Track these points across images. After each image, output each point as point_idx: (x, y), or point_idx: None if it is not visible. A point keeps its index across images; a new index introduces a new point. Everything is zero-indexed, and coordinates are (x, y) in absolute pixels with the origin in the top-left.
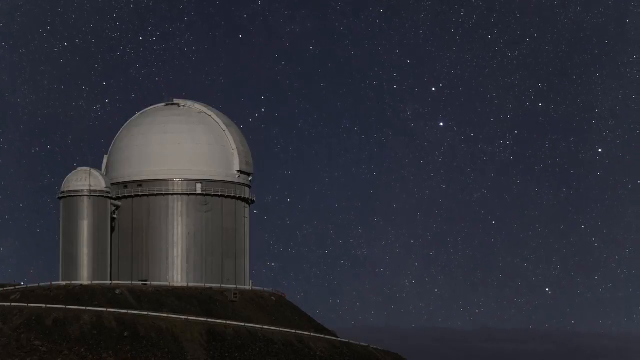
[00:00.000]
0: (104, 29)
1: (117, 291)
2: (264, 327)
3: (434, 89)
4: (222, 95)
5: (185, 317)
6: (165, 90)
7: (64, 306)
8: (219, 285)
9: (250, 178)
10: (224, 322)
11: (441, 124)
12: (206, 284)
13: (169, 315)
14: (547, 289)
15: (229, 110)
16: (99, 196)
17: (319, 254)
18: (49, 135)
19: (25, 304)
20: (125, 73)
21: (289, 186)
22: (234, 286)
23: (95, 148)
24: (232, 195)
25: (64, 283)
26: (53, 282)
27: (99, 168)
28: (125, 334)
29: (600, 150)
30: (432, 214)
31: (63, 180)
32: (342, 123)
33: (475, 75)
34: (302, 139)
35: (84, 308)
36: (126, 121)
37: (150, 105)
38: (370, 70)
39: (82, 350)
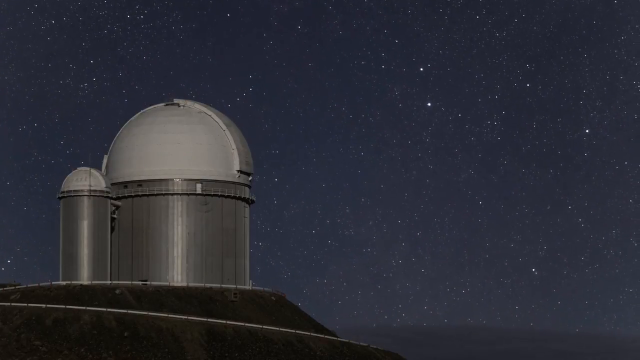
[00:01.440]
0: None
1: (117, 291)
2: (264, 327)
3: (421, 69)
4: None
5: (185, 317)
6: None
7: (64, 306)
8: (219, 285)
9: (250, 178)
10: (224, 322)
11: (429, 104)
12: (206, 284)
13: (169, 315)
14: (533, 269)
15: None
16: (99, 196)
17: (306, 234)
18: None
19: (25, 304)
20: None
21: (277, 165)
22: (234, 286)
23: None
24: (232, 195)
25: (64, 283)
26: (53, 282)
27: (99, 168)
28: (125, 334)
29: (587, 131)
30: (419, 194)
31: (63, 180)
32: (329, 103)
33: (463, 55)
34: (289, 117)
35: (84, 308)
36: (126, 121)
37: (150, 105)
38: (358, 50)
39: (82, 350)
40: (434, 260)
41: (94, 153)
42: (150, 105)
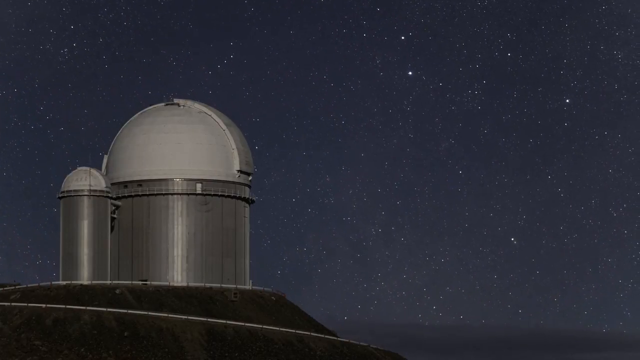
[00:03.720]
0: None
1: (117, 291)
2: (264, 327)
3: (403, 38)
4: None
5: (185, 317)
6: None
7: (64, 306)
8: (219, 285)
9: (250, 178)
10: (224, 322)
11: (410, 73)
12: (206, 284)
13: (169, 315)
14: (512, 239)
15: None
16: (99, 196)
17: (286, 202)
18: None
19: (25, 304)
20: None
21: (257, 134)
22: (234, 286)
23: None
24: (232, 195)
25: (64, 283)
26: (53, 282)
27: (99, 168)
28: (125, 334)
29: (567, 101)
30: (399, 163)
31: (63, 180)
32: (310, 71)
33: (445, 24)
34: (269, 84)
35: (84, 308)
36: (126, 121)
37: (150, 105)
38: (339, 18)
39: (82, 350)
40: (414, 229)
41: (95, 153)
42: (150, 105)
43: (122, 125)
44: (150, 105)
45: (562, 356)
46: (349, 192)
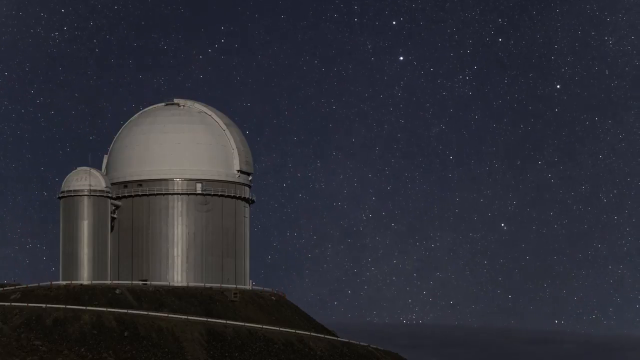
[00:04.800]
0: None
1: (117, 291)
2: (264, 327)
3: (394, 23)
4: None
5: (185, 317)
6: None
7: (64, 306)
8: (219, 285)
9: (250, 178)
10: (224, 322)
11: (401, 58)
12: (206, 284)
13: (169, 315)
14: (502, 224)
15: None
16: (99, 196)
17: (277, 187)
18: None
19: (25, 304)
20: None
21: (248, 118)
22: (234, 286)
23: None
24: (232, 195)
25: (64, 283)
26: (53, 282)
27: (99, 168)
28: (125, 334)
29: (558, 86)
30: (390, 148)
31: (63, 180)
32: (302, 56)
33: (436, 9)
34: (261, 70)
35: (84, 308)
36: (126, 121)
37: (150, 105)
38: (330, 3)
39: (82, 350)
40: (404, 215)
41: (95, 153)
42: (150, 105)
43: (122, 125)
44: (150, 105)
45: (551, 345)
46: (340, 177)
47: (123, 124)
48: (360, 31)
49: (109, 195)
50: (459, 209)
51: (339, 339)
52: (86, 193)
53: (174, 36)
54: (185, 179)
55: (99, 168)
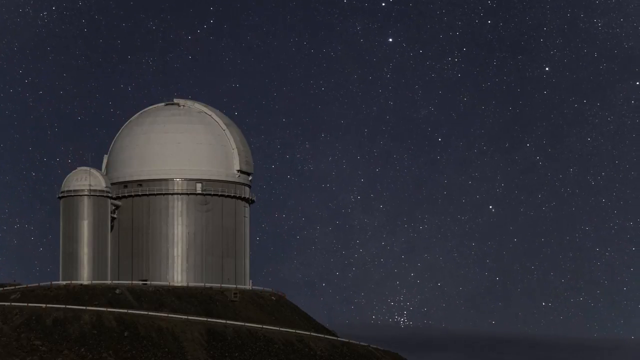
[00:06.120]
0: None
1: (117, 291)
2: (264, 326)
3: (383, 4)
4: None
5: (185, 317)
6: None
7: (64, 306)
8: (219, 285)
9: (250, 178)
10: (224, 321)
11: (390, 40)
12: (206, 284)
13: (169, 315)
14: (490, 207)
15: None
16: (99, 196)
17: (265, 169)
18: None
19: (25, 304)
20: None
21: (237, 99)
22: (234, 286)
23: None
24: (232, 194)
25: (64, 283)
26: (53, 282)
27: (99, 168)
28: (125, 334)
29: (547, 69)
30: (378, 130)
31: (63, 180)
32: (290, 37)
33: None
34: (250, 51)
35: (84, 308)
36: (126, 121)
37: (150, 105)
38: None
39: (82, 350)
40: (393, 196)
41: (95, 153)
42: (151, 105)
43: (122, 125)
44: (150, 105)
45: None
46: (328, 159)
47: (123, 124)
48: (350, 12)
49: (109, 195)
50: (447, 191)
51: (339, 338)
52: (86, 193)
53: (162, 16)
54: (185, 179)
55: (99, 168)
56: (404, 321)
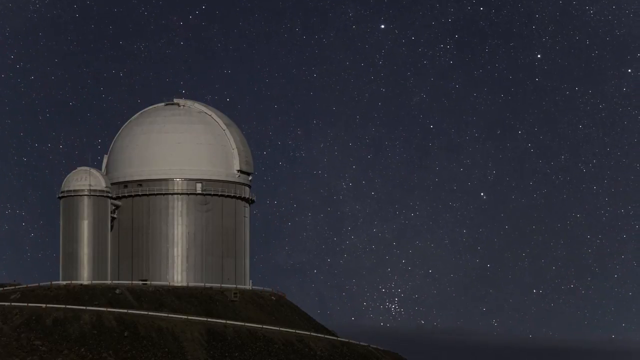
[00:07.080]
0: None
1: (117, 291)
2: (264, 326)
3: None
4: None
5: (185, 317)
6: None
7: (64, 306)
8: (219, 285)
9: (250, 178)
10: (224, 321)
11: (382, 27)
12: (206, 284)
13: (169, 315)
14: (482, 194)
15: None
16: (99, 196)
17: (256, 155)
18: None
19: (25, 304)
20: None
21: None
22: (234, 286)
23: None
24: (232, 195)
25: (64, 283)
26: (53, 282)
27: (99, 168)
28: (125, 334)
29: (539, 56)
30: (370, 116)
31: (63, 180)
32: (282, 23)
33: None
34: (242, 37)
35: (84, 308)
36: (126, 121)
37: (150, 105)
38: None
39: (82, 350)
40: (384, 183)
41: (93, 153)
42: (151, 105)
43: (122, 125)
44: (150, 105)
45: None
46: (320, 145)
47: (123, 123)
48: None
49: (109, 195)
50: (438, 178)
51: (339, 338)
52: (86, 193)
53: (154, 2)
54: (185, 179)
55: (99, 168)
56: (395, 308)
